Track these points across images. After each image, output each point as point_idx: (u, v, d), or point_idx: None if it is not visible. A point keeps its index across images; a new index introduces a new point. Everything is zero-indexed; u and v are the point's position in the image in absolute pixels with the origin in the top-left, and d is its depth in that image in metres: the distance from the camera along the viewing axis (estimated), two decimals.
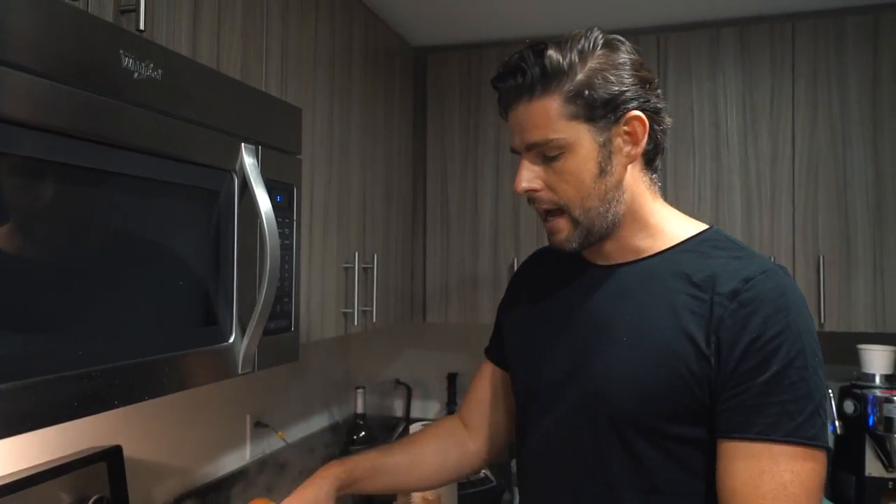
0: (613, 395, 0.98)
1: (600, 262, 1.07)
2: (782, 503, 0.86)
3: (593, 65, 0.97)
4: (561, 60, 0.96)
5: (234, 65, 1.28)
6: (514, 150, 1.04)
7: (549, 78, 0.96)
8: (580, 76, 0.96)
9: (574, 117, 0.96)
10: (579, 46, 0.97)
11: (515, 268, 2.12)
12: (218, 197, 1.07)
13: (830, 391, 1.96)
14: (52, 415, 0.79)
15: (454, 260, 2.24)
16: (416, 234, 2.28)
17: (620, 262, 1.05)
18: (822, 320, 1.90)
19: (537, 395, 1.12)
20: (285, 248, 1.20)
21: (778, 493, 0.86)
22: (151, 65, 0.90)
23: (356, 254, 1.77)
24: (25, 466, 1.22)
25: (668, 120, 1.03)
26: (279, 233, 1.13)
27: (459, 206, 2.24)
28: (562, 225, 1.01)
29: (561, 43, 0.98)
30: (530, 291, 1.19)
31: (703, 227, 1.05)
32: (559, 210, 1.01)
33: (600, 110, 0.96)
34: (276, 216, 1.12)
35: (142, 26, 0.98)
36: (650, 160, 1.04)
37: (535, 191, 1.01)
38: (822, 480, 0.90)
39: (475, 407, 1.29)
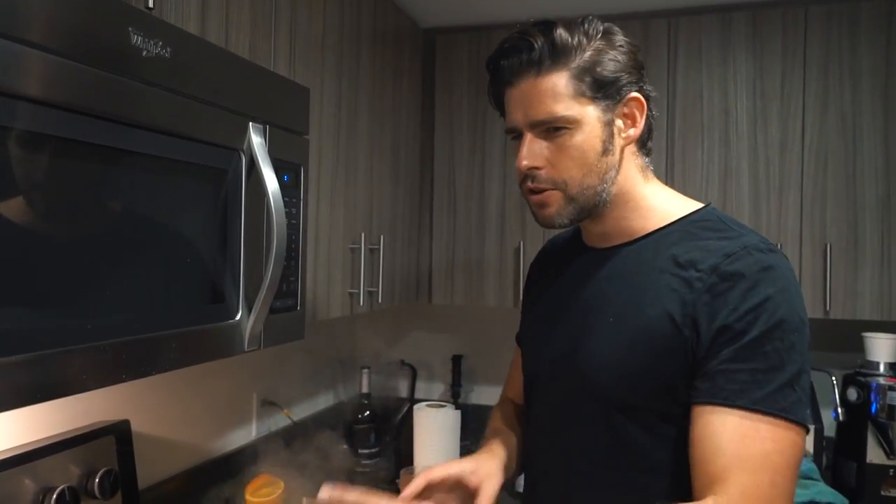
0: (597, 376, 1.00)
1: (598, 245, 1.09)
2: (767, 470, 0.86)
3: (598, 45, 0.99)
4: (570, 38, 0.97)
5: (243, 44, 1.28)
6: (512, 129, 1.03)
7: (559, 53, 0.97)
8: (588, 54, 0.98)
9: (581, 94, 0.97)
10: (584, 28, 0.99)
11: (522, 251, 2.14)
12: (225, 175, 1.08)
13: (834, 378, 1.96)
14: (61, 387, 0.81)
15: (460, 242, 2.24)
16: (422, 215, 2.28)
17: (615, 244, 1.06)
18: (828, 308, 1.90)
19: (538, 377, 1.14)
20: (292, 228, 1.21)
21: (762, 459, 0.86)
22: (160, 43, 0.91)
23: (362, 234, 1.78)
24: (35, 439, 1.24)
25: (654, 110, 1.05)
26: (286, 212, 1.14)
27: (466, 189, 2.24)
28: (554, 198, 1.01)
29: (566, 22, 0.99)
30: (541, 278, 1.23)
31: (696, 206, 1.05)
32: (554, 187, 1.01)
33: (605, 90, 0.98)
34: (284, 195, 1.13)
35: (151, 4, 0.98)
36: (643, 143, 1.05)
37: (537, 168, 1.00)
38: (800, 455, 0.90)
39: (511, 391, 1.31)
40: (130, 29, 0.86)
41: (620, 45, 1.00)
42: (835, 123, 1.93)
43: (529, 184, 1.02)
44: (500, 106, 1.06)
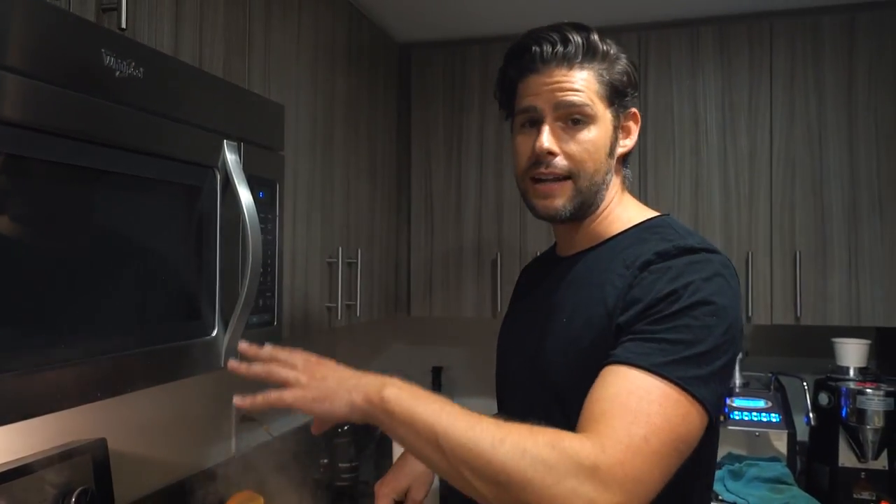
0: (550, 370, 1.05)
1: (566, 254, 1.15)
2: (642, 425, 0.83)
3: (614, 57, 1.08)
4: (600, 43, 1.07)
5: (217, 62, 1.29)
6: (530, 108, 1.07)
7: (593, 53, 1.06)
8: (608, 62, 1.07)
9: (602, 96, 1.06)
10: (606, 40, 1.08)
11: (499, 263, 2.16)
12: (200, 193, 1.09)
13: (805, 383, 2.00)
14: (35, 406, 0.81)
15: (438, 254, 2.26)
16: (400, 228, 2.29)
17: (580, 250, 1.12)
18: (799, 314, 1.94)
19: (506, 382, 1.20)
20: (268, 244, 1.22)
21: (642, 415, 0.84)
22: (133, 63, 0.92)
23: (340, 248, 1.78)
24: (9, 459, 1.23)
25: None
26: (261, 228, 1.15)
27: (443, 201, 2.26)
28: (565, 189, 1.06)
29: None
30: (516, 296, 1.30)
31: (654, 214, 1.11)
32: (566, 177, 1.06)
33: (618, 98, 1.08)
34: (259, 212, 1.14)
35: (123, 25, 0.99)
36: (626, 157, 1.14)
37: (553, 154, 1.05)
38: (691, 433, 0.87)
39: None
40: (103, 50, 0.87)
41: (628, 64, 1.10)
42: (801, 133, 1.98)
43: (543, 169, 1.06)
44: (509, 90, 1.12)
